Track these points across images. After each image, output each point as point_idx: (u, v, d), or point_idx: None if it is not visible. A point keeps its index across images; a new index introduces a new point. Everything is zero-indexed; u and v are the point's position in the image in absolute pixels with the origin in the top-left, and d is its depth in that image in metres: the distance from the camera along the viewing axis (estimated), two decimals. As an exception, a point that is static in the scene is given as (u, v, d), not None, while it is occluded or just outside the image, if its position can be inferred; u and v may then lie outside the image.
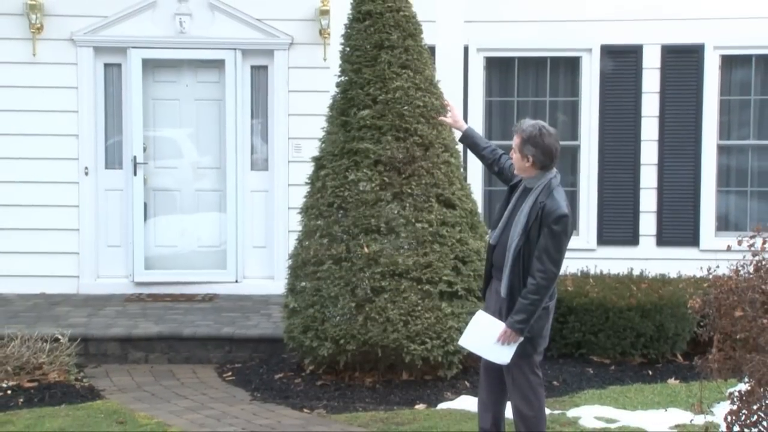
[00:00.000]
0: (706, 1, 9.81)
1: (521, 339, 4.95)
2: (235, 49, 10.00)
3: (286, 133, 10.01)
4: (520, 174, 5.13)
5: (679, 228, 10.00)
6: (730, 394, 4.49)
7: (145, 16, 9.92)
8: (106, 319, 8.67)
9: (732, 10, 9.77)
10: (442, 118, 5.89)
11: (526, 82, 10.18)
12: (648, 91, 9.97)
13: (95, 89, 10.00)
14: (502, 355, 4.98)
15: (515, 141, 5.10)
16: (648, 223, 10.03)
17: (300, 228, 7.52)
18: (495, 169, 5.52)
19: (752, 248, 4.40)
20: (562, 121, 10.20)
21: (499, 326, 4.97)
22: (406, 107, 7.22)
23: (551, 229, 4.87)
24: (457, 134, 5.87)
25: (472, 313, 5.50)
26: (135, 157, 10.00)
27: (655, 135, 9.99)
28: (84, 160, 9.95)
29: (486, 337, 5.00)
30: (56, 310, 9.08)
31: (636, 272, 8.71)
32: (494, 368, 5.19)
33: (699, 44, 9.89)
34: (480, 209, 7.91)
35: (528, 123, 5.14)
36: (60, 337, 7.55)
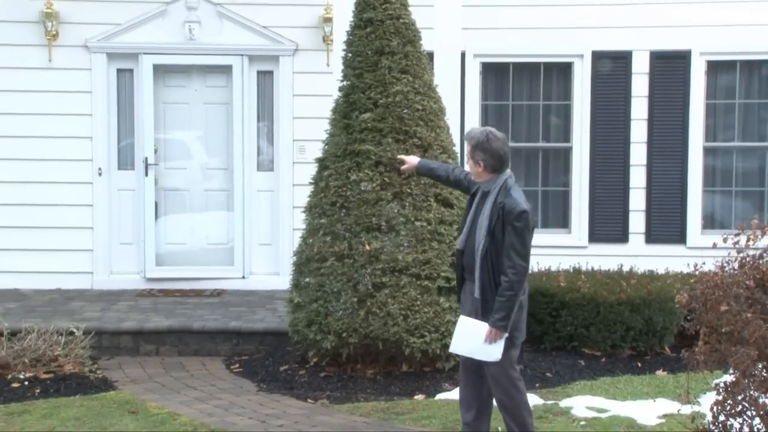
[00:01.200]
0: (693, 10, 9.81)
1: (507, 335, 4.97)
2: (242, 55, 9.99)
3: (290, 135, 10.01)
4: (476, 179, 5.20)
5: (666, 226, 10.00)
6: (716, 385, 4.49)
7: (156, 24, 9.92)
8: (119, 313, 8.67)
9: (718, 18, 9.78)
10: (404, 167, 6.05)
11: (521, 86, 10.18)
12: (637, 95, 9.97)
13: (108, 93, 10.00)
14: (493, 352, 5.01)
15: (467, 149, 5.17)
16: (637, 222, 10.03)
17: (304, 226, 7.51)
18: (452, 182, 5.62)
19: (737, 245, 4.40)
20: (555, 124, 10.21)
21: (484, 327, 5.00)
22: (405, 110, 7.22)
23: (514, 227, 4.91)
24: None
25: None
26: (146, 159, 10.00)
27: (644, 137, 9.99)
28: (98, 162, 9.95)
29: (474, 339, 5.03)
30: (71, 304, 9.09)
31: (626, 268, 8.70)
32: (472, 366, 5.22)
33: (686, 50, 9.89)
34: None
35: (476, 130, 5.21)
36: (75, 330, 7.55)
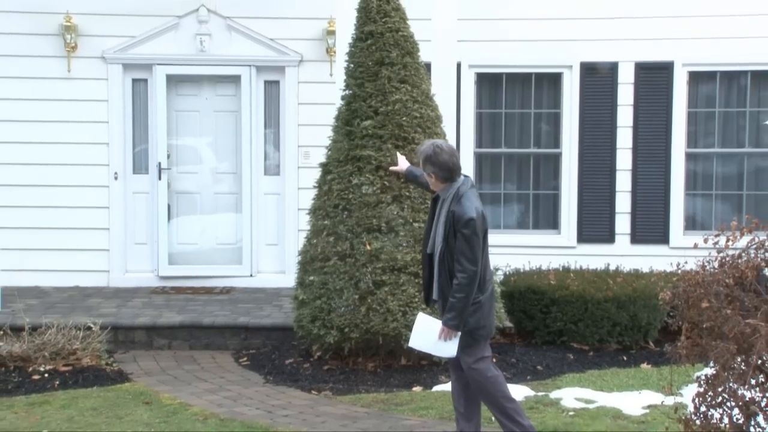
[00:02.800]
0: (676, 23, 9.81)
1: (458, 333, 4.98)
2: (250, 65, 9.99)
3: (296, 141, 10.01)
4: (433, 188, 5.22)
5: (651, 227, 9.99)
6: (698, 377, 4.48)
7: (169, 36, 9.92)
8: (134, 309, 8.67)
9: (699, 31, 9.78)
10: (392, 168, 6.04)
11: (513, 95, 10.18)
12: (623, 104, 9.97)
13: (124, 102, 10.00)
14: (448, 349, 5.03)
15: (420, 162, 5.17)
16: (623, 223, 10.02)
17: (308, 227, 7.51)
18: (426, 187, 5.48)
19: (717, 246, 4.39)
20: (545, 131, 10.20)
21: (438, 324, 5.02)
22: (404, 118, 7.22)
23: (462, 233, 4.92)
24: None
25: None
26: (160, 163, 10.00)
27: (630, 143, 9.98)
28: (114, 166, 9.95)
29: (429, 336, 5.06)
30: (89, 301, 9.08)
31: (612, 267, 8.69)
32: (455, 360, 5.22)
33: (669, 62, 9.89)
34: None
35: (425, 145, 5.22)
36: (92, 325, 7.55)
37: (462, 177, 5.13)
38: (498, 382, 5.17)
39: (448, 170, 5.06)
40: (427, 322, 5.09)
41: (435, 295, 5.15)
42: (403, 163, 5.80)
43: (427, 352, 5.23)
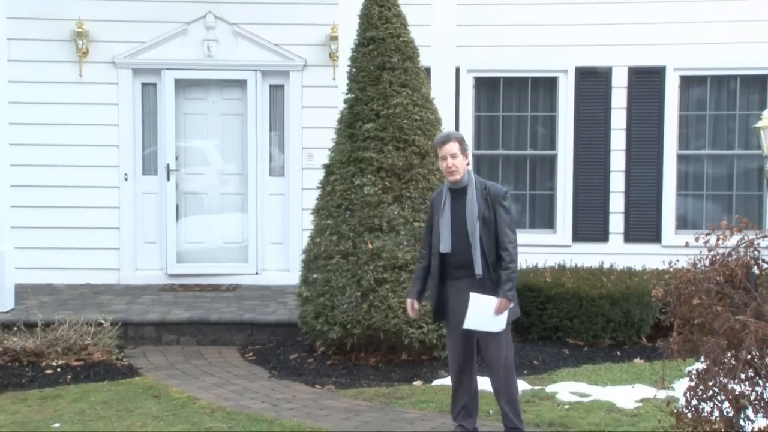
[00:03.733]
0: (667, 29, 9.81)
1: (512, 304, 5.04)
2: (255, 70, 9.99)
3: (300, 143, 10.00)
4: (459, 176, 5.15)
5: (643, 227, 9.99)
6: (689, 372, 4.48)
7: (177, 42, 9.93)
8: (143, 306, 8.67)
9: (690, 36, 9.79)
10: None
11: (510, 99, 10.17)
12: (616, 107, 9.96)
13: (133, 105, 10.00)
14: (500, 323, 5.05)
15: (455, 148, 5.15)
16: (617, 223, 10.02)
17: (312, 227, 7.51)
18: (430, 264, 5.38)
19: (708, 244, 4.39)
20: (541, 133, 10.20)
21: (493, 300, 5.01)
22: (405, 121, 7.22)
23: (502, 206, 5.07)
24: None
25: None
26: (168, 165, 10.00)
27: (623, 145, 9.98)
28: (124, 168, 9.95)
29: (486, 313, 5.03)
30: (99, 298, 9.08)
31: (606, 265, 8.70)
32: (470, 357, 5.24)
33: (661, 66, 9.88)
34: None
35: (448, 131, 5.46)
36: (103, 321, 7.56)
37: None
38: (514, 375, 5.29)
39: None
40: (482, 300, 5.03)
41: (480, 271, 5.04)
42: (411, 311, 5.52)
43: (481, 330, 5.12)
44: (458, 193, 5.16)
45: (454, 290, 5.21)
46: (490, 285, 5.07)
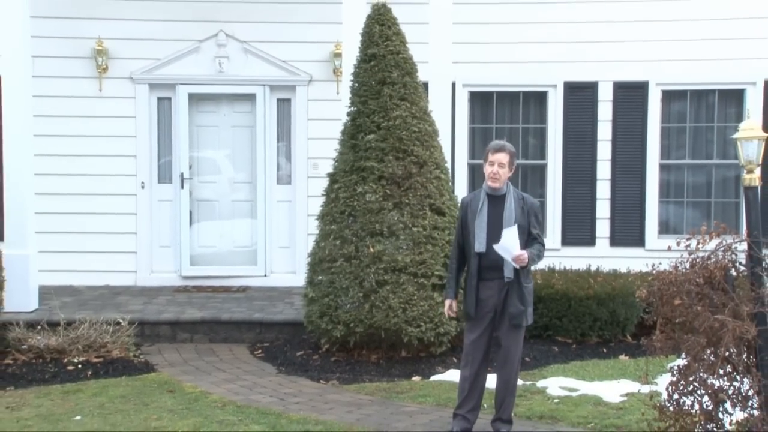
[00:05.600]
0: (650, 47, 9.83)
1: (524, 265, 5.10)
2: (264, 85, 10.01)
3: (305, 153, 10.01)
4: (499, 185, 5.22)
5: (628, 231, 9.99)
6: (671, 368, 4.49)
7: (190, 59, 9.94)
8: (159, 306, 8.67)
9: (671, 54, 9.81)
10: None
11: (503, 111, 10.18)
12: (602, 120, 9.98)
13: (150, 118, 10.01)
14: (516, 257, 5.04)
15: (505, 159, 5.21)
16: (603, 228, 10.02)
17: (317, 231, 7.51)
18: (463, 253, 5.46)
19: (688, 248, 4.39)
20: (532, 144, 10.21)
21: (519, 249, 5.05)
22: (404, 132, 7.22)
23: (536, 217, 5.27)
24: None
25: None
26: (182, 174, 10.01)
27: (609, 155, 9.98)
28: (140, 176, 9.96)
29: (513, 245, 5.04)
30: (118, 299, 9.08)
31: (593, 268, 8.68)
32: (483, 354, 5.27)
33: (644, 81, 9.90)
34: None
35: (504, 142, 5.35)
36: (121, 321, 7.56)
37: None
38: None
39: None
40: (513, 235, 5.06)
41: (510, 274, 5.15)
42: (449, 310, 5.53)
43: (502, 254, 5.12)
44: (497, 199, 5.20)
45: (484, 290, 5.21)
46: (518, 289, 5.13)
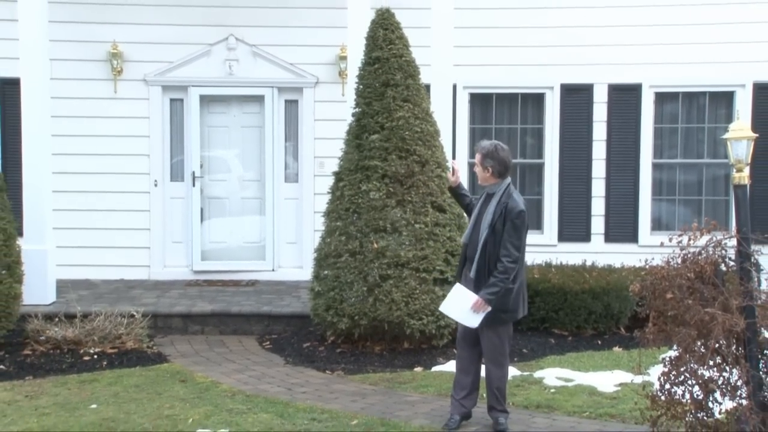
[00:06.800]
0: (644, 50, 9.81)
1: (489, 309, 4.97)
2: (272, 87, 10.01)
3: (312, 153, 10.01)
4: (483, 183, 5.22)
5: (622, 228, 9.97)
6: (663, 359, 4.49)
7: (201, 62, 9.94)
8: (171, 299, 8.69)
9: (663, 57, 9.79)
10: (450, 176, 5.59)
11: (502, 112, 10.18)
12: (598, 120, 9.96)
13: (163, 119, 10.02)
14: (473, 321, 5.02)
15: (477, 157, 5.20)
16: (598, 224, 10.01)
17: (323, 228, 7.52)
18: (465, 204, 5.52)
19: (680, 244, 4.39)
20: (530, 144, 10.20)
21: (473, 297, 5.00)
22: (407, 132, 7.23)
23: (513, 222, 4.98)
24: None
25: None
26: (194, 172, 10.02)
27: (604, 155, 9.97)
28: (154, 175, 9.97)
29: (461, 305, 5.02)
30: (132, 292, 9.10)
31: (588, 263, 8.69)
32: (471, 339, 5.20)
33: (637, 84, 9.88)
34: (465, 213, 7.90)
35: (486, 142, 5.26)
36: (135, 313, 7.58)
37: (509, 177, 5.19)
38: (506, 368, 5.25)
39: (505, 167, 5.12)
40: (463, 293, 5.03)
41: (472, 275, 5.06)
42: (457, 178, 5.53)
43: (455, 319, 5.15)
44: (489, 197, 5.18)
45: (465, 281, 5.21)
46: (481, 288, 5.05)
